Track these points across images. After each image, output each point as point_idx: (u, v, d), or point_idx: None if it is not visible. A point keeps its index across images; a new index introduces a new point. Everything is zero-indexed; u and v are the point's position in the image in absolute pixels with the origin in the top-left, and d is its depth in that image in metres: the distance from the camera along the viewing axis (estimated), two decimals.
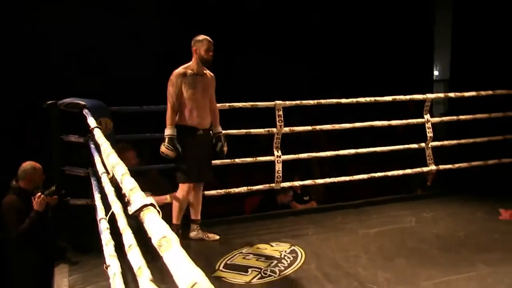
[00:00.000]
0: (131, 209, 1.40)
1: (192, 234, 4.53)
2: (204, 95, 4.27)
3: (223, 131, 4.48)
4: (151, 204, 1.36)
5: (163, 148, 4.15)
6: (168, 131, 4.15)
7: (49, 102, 4.42)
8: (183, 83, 4.15)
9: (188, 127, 4.21)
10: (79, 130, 4.39)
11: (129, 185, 1.63)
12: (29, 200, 4.19)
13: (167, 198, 4.59)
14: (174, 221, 4.35)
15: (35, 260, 4.25)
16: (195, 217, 4.55)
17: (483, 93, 6.04)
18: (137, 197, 1.47)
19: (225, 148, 4.41)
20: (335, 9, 9.53)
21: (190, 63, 4.23)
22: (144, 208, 1.35)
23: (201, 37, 4.20)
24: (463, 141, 6.08)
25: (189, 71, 4.19)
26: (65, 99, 4.46)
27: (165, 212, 4.32)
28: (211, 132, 4.38)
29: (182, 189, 4.32)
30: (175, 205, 4.37)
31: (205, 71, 4.29)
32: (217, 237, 4.55)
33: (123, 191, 1.66)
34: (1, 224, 4.27)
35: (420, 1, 10.05)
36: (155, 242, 1.13)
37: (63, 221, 4.56)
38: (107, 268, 2.43)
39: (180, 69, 4.20)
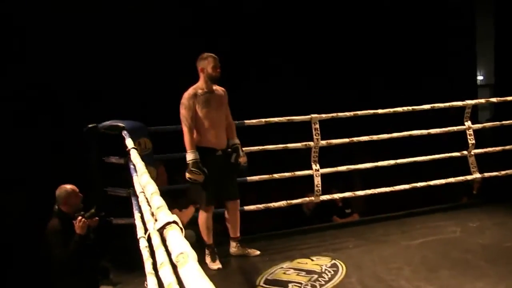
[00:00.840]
0: (156, 227, 1.45)
1: (232, 250, 4.53)
2: (219, 112, 4.21)
3: (259, 147, 4.50)
4: (174, 222, 1.40)
5: (189, 174, 4.02)
6: (191, 156, 4.04)
7: (89, 126, 4.57)
8: (196, 103, 4.08)
9: (206, 148, 4.14)
10: (121, 151, 4.51)
11: (157, 203, 1.69)
12: (71, 223, 4.23)
13: (193, 209, 4.59)
14: (206, 241, 4.32)
15: (79, 284, 4.29)
16: (234, 235, 4.52)
17: None
18: (163, 214, 1.52)
19: (242, 159, 4.28)
20: (376, 15, 9.42)
21: (199, 83, 4.17)
22: (167, 226, 1.39)
23: (205, 54, 4.15)
24: (507, 147, 5.90)
25: (200, 91, 4.13)
26: (106, 122, 4.60)
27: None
28: (229, 150, 4.28)
29: (202, 213, 4.28)
30: (201, 227, 4.32)
31: (215, 88, 4.22)
32: (258, 252, 4.53)
33: (151, 209, 1.71)
34: (47, 249, 4.36)
35: (461, 6, 9.86)
36: (174, 258, 1.16)
37: (106, 241, 4.67)
38: (146, 286, 2.49)
39: (190, 90, 4.13)
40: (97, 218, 4.41)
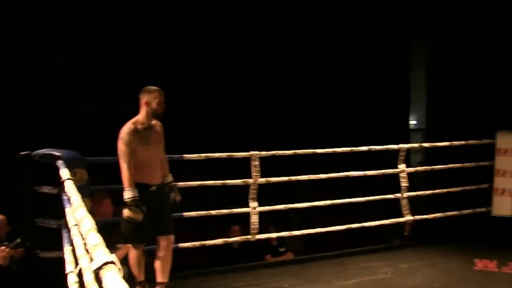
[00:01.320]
0: (92, 266, 1.39)
1: None
2: (157, 148, 4.02)
3: (197, 182, 4.42)
4: (112, 262, 1.35)
5: (128, 213, 3.77)
6: (130, 193, 3.78)
7: (22, 153, 4.38)
8: (137, 139, 3.86)
9: (141, 184, 3.89)
10: (54, 181, 4.34)
11: (93, 241, 1.62)
12: None
13: (128, 247, 4.19)
14: (137, 277, 4.06)
15: None
16: (162, 279, 4.05)
17: (456, 143, 6.17)
18: (99, 254, 1.46)
19: (178, 197, 4.16)
20: (313, 53, 9.70)
21: (139, 116, 3.94)
22: (104, 266, 1.34)
23: (152, 88, 3.95)
24: (437, 191, 6.15)
25: (140, 126, 3.91)
26: (40, 150, 4.43)
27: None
28: (163, 185, 4.10)
29: (133, 250, 4.04)
30: (132, 264, 4.06)
31: (154, 123, 4.01)
32: None
33: (87, 247, 1.65)
34: None
35: (396, 52, 10.35)
36: None
37: (31, 274, 4.43)
38: None
39: (130, 125, 3.89)
40: (22, 249, 4.21)
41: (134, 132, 3.86)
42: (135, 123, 3.91)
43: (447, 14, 8.90)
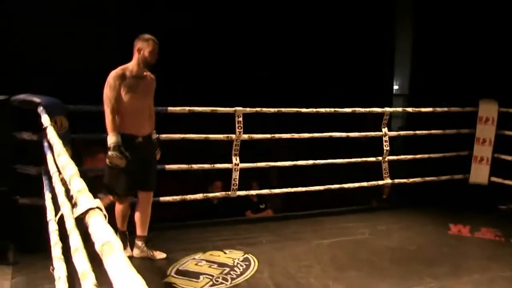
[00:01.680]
0: (77, 212, 1.37)
1: (136, 252, 4.13)
2: (145, 99, 3.95)
3: (180, 135, 4.38)
4: (98, 207, 1.32)
5: (111, 157, 3.73)
6: (112, 139, 3.74)
7: (0, 98, 4.27)
8: (122, 86, 3.79)
9: (126, 134, 3.84)
10: (34, 126, 4.25)
11: (77, 186, 1.59)
12: None
13: (110, 198, 4.13)
14: (119, 227, 4.07)
15: None
16: (140, 233, 4.12)
17: (438, 109, 6.21)
18: (84, 199, 1.43)
19: (158, 155, 4.18)
20: (297, 19, 9.59)
21: (130, 63, 3.88)
22: (90, 211, 1.31)
23: (147, 36, 3.87)
24: (418, 156, 6.21)
25: (128, 73, 3.84)
26: (19, 95, 4.32)
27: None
28: (151, 137, 4.09)
29: (118, 204, 4.00)
30: (116, 215, 4.04)
31: (145, 73, 3.94)
32: (164, 255, 4.15)
33: (71, 193, 1.62)
34: None
35: (382, 17, 10.26)
36: (97, 247, 1.10)
37: (9, 220, 4.38)
38: (53, 271, 2.37)
39: (118, 70, 3.83)
40: None
41: (122, 77, 3.80)
42: (124, 69, 3.85)
43: None
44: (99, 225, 1.21)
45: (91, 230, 1.22)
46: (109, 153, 3.75)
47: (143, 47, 3.83)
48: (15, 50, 6.95)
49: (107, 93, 3.79)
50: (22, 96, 4.31)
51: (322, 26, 9.73)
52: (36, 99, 4.14)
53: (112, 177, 3.90)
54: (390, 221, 5.48)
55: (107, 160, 3.78)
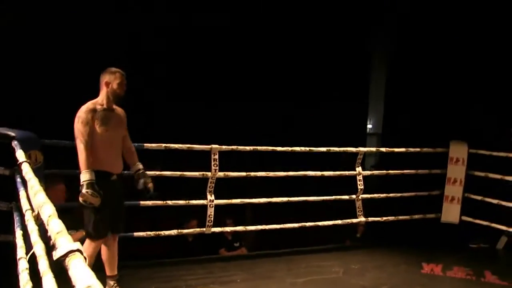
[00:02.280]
0: (56, 254, 1.35)
1: None
2: (117, 133, 3.86)
3: (155, 172, 4.34)
4: (78, 250, 1.31)
5: (85, 196, 3.59)
6: (86, 176, 3.60)
7: None
8: (95, 119, 3.69)
9: (101, 171, 3.72)
10: (5, 161, 4.18)
11: (56, 228, 1.57)
12: None
13: (83, 233, 3.99)
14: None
15: None
16: (111, 273, 4.01)
17: (411, 149, 6.33)
18: (63, 241, 1.42)
19: (151, 184, 4.02)
20: (274, 53, 9.73)
21: (99, 98, 3.79)
22: (70, 254, 1.30)
23: (114, 69, 3.81)
24: (391, 194, 6.30)
25: (99, 106, 3.75)
26: None
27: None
28: (122, 176, 3.98)
29: (90, 243, 3.82)
30: (86, 254, 3.91)
31: (115, 107, 3.86)
32: None
33: (49, 234, 1.59)
34: None
35: (357, 55, 10.52)
36: None
37: None
38: None
39: (89, 105, 3.73)
40: None
41: (93, 111, 3.71)
42: (94, 103, 3.77)
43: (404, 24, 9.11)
44: (80, 269, 1.20)
45: (71, 273, 1.20)
46: (83, 191, 3.60)
47: (111, 80, 3.76)
48: None
49: (80, 128, 3.67)
50: None
51: (297, 60, 9.89)
52: (11, 133, 4.09)
53: (88, 215, 3.78)
54: (363, 259, 5.50)
55: (81, 199, 3.63)
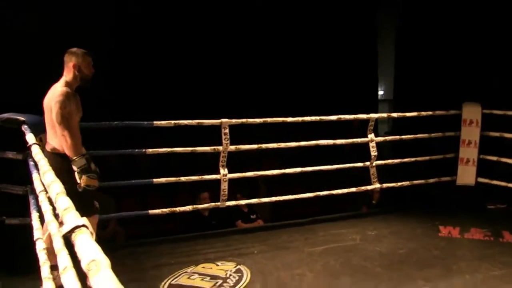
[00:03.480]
0: (63, 230, 1.35)
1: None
2: (80, 117, 3.68)
3: (167, 149, 4.33)
4: (84, 225, 1.31)
5: (87, 181, 3.45)
6: (82, 161, 3.45)
7: None
8: (73, 104, 3.49)
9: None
10: (18, 146, 4.21)
11: (63, 204, 1.58)
12: None
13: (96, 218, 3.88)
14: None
15: None
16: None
17: (423, 113, 6.25)
18: (70, 217, 1.42)
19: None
20: (282, 26, 9.61)
21: (68, 80, 3.55)
22: (76, 229, 1.30)
23: (80, 50, 3.58)
24: (405, 160, 6.25)
25: (70, 90, 3.52)
26: (3, 114, 4.28)
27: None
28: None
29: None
30: None
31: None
32: None
33: (57, 211, 1.60)
34: None
35: (364, 23, 10.35)
36: (84, 265, 1.08)
37: None
38: None
39: (67, 88, 3.50)
40: None
41: (71, 95, 3.52)
42: (67, 86, 3.54)
43: None
44: (85, 243, 1.20)
45: (77, 248, 1.20)
46: (84, 177, 3.46)
47: (79, 63, 3.56)
48: None
49: (63, 113, 3.43)
50: (5, 115, 4.27)
51: (305, 34, 9.76)
52: (20, 117, 4.11)
53: (87, 197, 3.60)
54: (380, 226, 5.49)
55: (84, 184, 3.47)
